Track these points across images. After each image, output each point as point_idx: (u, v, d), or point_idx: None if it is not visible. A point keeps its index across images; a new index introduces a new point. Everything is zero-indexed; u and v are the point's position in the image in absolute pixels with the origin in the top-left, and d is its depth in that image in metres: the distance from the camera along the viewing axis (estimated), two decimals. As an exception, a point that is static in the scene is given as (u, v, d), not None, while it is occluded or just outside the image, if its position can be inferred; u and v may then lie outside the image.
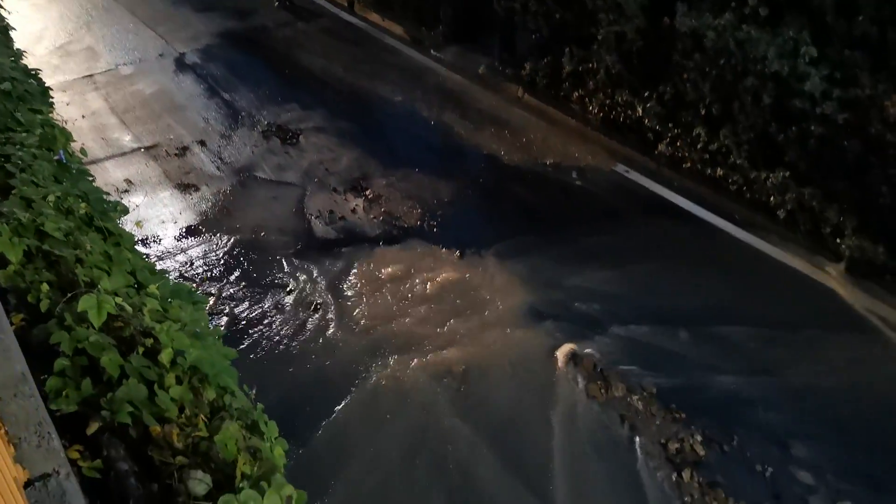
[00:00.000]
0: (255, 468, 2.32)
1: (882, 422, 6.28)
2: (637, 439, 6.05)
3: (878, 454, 5.98)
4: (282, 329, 7.15)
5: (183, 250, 8.29)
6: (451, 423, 6.19)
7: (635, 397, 6.41)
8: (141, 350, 2.50)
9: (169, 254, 8.24)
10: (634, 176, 9.59)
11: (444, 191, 9.33)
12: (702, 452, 5.94)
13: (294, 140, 10.53)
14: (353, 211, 8.96)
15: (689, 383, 6.61)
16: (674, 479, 5.72)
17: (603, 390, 6.47)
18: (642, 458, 5.90)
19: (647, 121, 9.58)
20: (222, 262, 8.08)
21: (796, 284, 7.82)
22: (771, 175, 8.23)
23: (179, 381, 2.45)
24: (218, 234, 8.52)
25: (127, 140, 10.55)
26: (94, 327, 2.55)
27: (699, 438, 6.07)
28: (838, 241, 7.87)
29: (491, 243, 8.32)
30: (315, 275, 7.88)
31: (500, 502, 5.53)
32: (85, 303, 2.55)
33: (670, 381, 6.61)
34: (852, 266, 7.76)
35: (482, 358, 6.83)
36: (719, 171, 8.90)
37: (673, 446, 5.97)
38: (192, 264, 8.05)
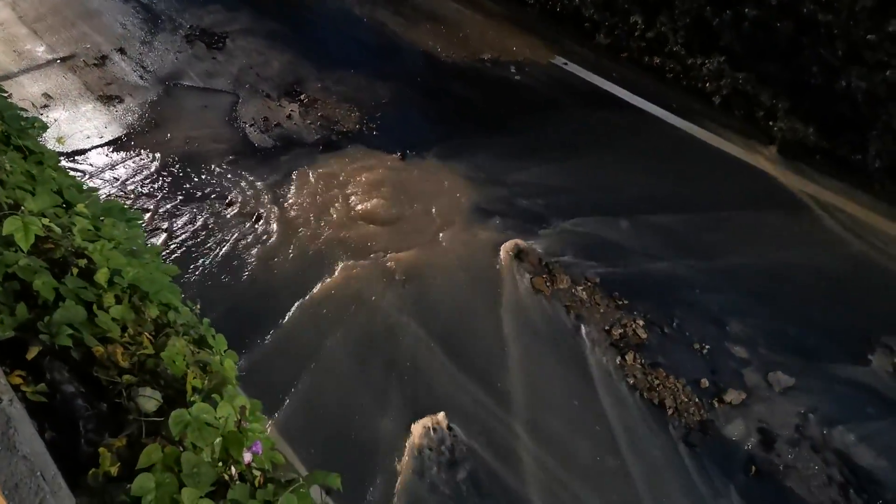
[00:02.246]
0: (206, 382, 2.31)
1: (812, 296, 6.63)
2: (582, 328, 6.26)
3: (808, 327, 6.35)
4: (224, 242, 7.01)
5: (112, 166, 7.94)
6: (400, 323, 6.27)
7: (579, 288, 6.59)
8: (75, 271, 2.40)
9: (97, 171, 7.88)
10: (573, 68, 9.49)
11: (382, 92, 9.08)
12: (644, 336, 6.19)
13: (220, 44, 10.00)
14: (289, 117, 8.67)
15: (631, 271, 6.81)
16: (618, 362, 5.98)
17: (548, 283, 6.61)
18: (588, 344, 6.12)
19: (584, 10, 9.39)
20: (155, 176, 7.79)
21: (732, 169, 8.01)
22: (707, 61, 8.25)
23: (119, 301, 2.38)
24: (148, 148, 8.16)
25: (41, 51, 9.85)
26: (22, 251, 2.43)
27: (641, 323, 6.31)
28: (771, 124, 8.02)
29: (432, 143, 8.21)
30: (254, 184, 7.68)
31: (454, 396, 5.70)
32: (10, 225, 2.42)
33: (612, 270, 6.80)
34: (785, 148, 7.96)
35: (429, 258, 6.87)
36: (657, 60, 8.87)
37: (617, 332, 6.21)
38: (123, 180, 7.74)
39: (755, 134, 8.29)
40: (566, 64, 9.56)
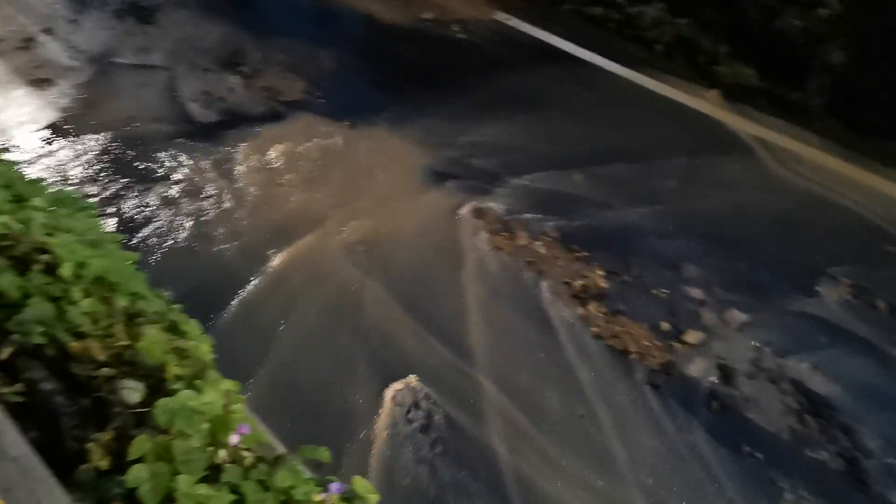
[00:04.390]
0: (186, 369, 2.30)
1: (761, 235, 6.87)
2: (544, 282, 6.36)
3: (760, 265, 6.58)
4: (176, 222, 6.87)
5: (51, 153, 7.65)
6: (363, 291, 6.27)
7: (538, 243, 6.68)
8: (39, 267, 2.35)
9: (35, 158, 7.59)
10: (516, 23, 9.46)
11: (326, 59, 8.92)
12: (604, 285, 6.33)
13: (152, 18, 9.64)
14: (231, 90, 8.46)
15: (588, 223, 6.93)
16: (580, 312, 6.11)
17: (507, 241, 6.69)
18: (550, 298, 6.23)
19: (523, -37, 9.33)
20: (98, 160, 7.54)
21: (678, 115, 8.16)
22: (648, 9, 8.32)
23: (88, 294, 2.34)
24: (86, 131, 7.88)
25: (-42, 37, 9.37)
26: (-21, 250, 2.36)
27: (601, 273, 6.44)
28: (713, 68, 8.17)
29: (381, 109, 8.13)
30: (201, 161, 7.50)
31: (423, 359, 5.76)
32: (-38, 225, 2.34)
33: (570, 223, 6.91)
34: (727, 91, 8.12)
35: (386, 224, 6.85)
36: (598, 10, 8.90)
37: (577, 283, 6.33)
38: (64, 167, 7.48)
39: (698, 79, 8.44)
40: (508, 19, 9.52)
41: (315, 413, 5.36)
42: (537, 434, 5.23)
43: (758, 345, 5.87)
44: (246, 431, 2.13)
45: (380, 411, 5.36)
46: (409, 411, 5.34)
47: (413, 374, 5.59)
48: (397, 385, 5.51)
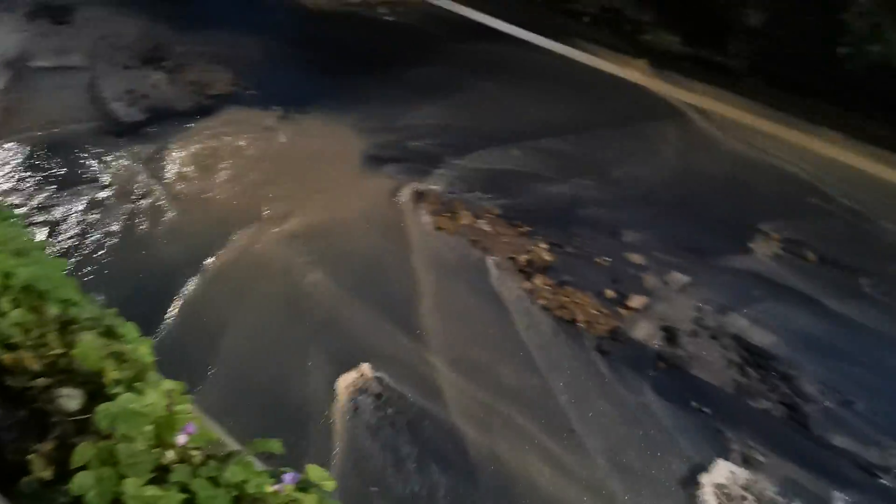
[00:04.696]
0: (125, 372, 2.25)
1: (696, 197, 7.06)
2: (490, 259, 6.41)
3: (697, 227, 6.78)
4: (108, 227, 6.67)
5: (-31, 164, 7.34)
6: (310, 282, 6.22)
7: (482, 221, 6.73)
8: (-39, 281, 2.27)
9: (-46, 171, 7.27)
10: (443, 2, 9.44)
11: (252, 48, 8.74)
12: (549, 258, 6.42)
13: (66, 17, 9.28)
14: (155, 86, 8.23)
15: (529, 198, 7.01)
16: (527, 287, 6.18)
17: (451, 221, 6.71)
18: (497, 274, 6.29)
19: (446, -58, 9.31)
20: (21, 168, 7.25)
21: (609, 86, 8.29)
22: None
23: (17, 304, 2.27)
24: (7, 139, 7.57)
25: None
26: None
27: (545, 246, 6.53)
28: (639, 37, 8.31)
29: (314, 97, 8.03)
30: (130, 162, 7.29)
31: (376, 345, 5.75)
32: None
33: (511, 199, 6.97)
34: (655, 60, 8.28)
35: (327, 214, 6.80)
36: (524, -15, 8.95)
37: (523, 258, 6.40)
38: (-15, 178, 7.18)
39: (626, 49, 8.57)
40: (436, -1, 9.49)
41: (270, 407, 5.30)
42: (495, 407, 5.29)
43: (699, 304, 6.05)
44: (193, 430, 2.11)
45: (335, 400, 5.34)
46: (365, 397, 5.34)
47: (367, 360, 5.58)
48: (352, 373, 5.50)
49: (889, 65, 7.66)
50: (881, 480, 4.76)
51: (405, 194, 6.95)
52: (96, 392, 2.15)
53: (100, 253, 6.42)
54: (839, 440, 5.02)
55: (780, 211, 7.07)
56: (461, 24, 8.98)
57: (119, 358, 2.32)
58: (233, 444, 2.46)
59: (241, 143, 7.47)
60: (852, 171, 7.67)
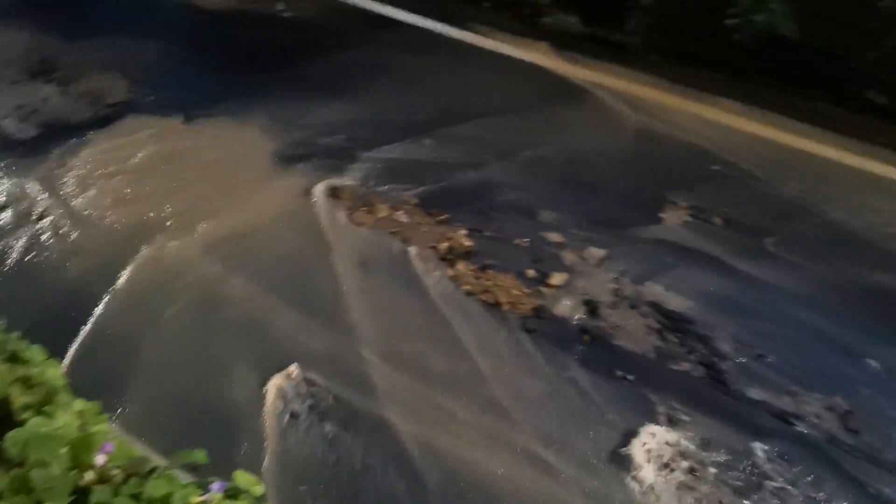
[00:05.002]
0: (33, 397, 2.16)
1: (606, 173, 7.26)
2: (411, 250, 6.41)
3: (609, 202, 6.99)
4: (10, 250, 6.33)
5: None
6: (229, 287, 6.07)
7: (399, 212, 6.72)
8: None
9: None
10: (343, -5, 9.34)
11: (148, 53, 8.43)
12: (469, 244, 6.47)
13: (-59, 32, 8.71)
14: (46, 100, 7.83)
15: (445, 185, 7.05)
16: (450, 274, 6.22)
17: (368, 214, 6.67)
18: (420, 264, 6.30)
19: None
20: None
21: (514, 70, 8.40)
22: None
23: None
24: None
25: None
26: None
27: (464, 232, 6.58)
28: (539, 19, 8.45)
29: (217, 98, 7.82)
30: (27, 181, 6.92)
31: (304, 345, 5.67)
32: None
33: (427, 188, 6.99)
34: (556, 41, 8.44)
35: (241, 219, 6.64)
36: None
37: (443, 246, 6.43)
38: None
39: (528, 32, 8.70)
40: (335, -7, 9.39)
41: (197, 418, 5.16)
42: (428, 396, 5.32)
43: (616, 276, 6.23)
44: (111, 449, 2.04)
45: (265, 404, 5.25)
46: (294, 398, 5.26)
47: (295, 361, 5.50)
48: (280, 375, 5.41)
49: (774, 33, 8.06)
50: (796, 427, 5.04)
51: (319, 192, 6.86)
52: (4, 419, 2.05)
53: (1, 278, 6.08)
54: (755, 393, 5.28)
55: (686, 180, 7.34)
56: (361, 17, 8.92)
57: (26, 382, 2.22)
58: (157, 460, 2.39)
59: (144, 152, 7.20)
60: (750, 138, 8.04)
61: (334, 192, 6.84)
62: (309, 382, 5.37)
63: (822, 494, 4.58)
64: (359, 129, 7.57)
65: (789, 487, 4.62)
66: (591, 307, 5.95)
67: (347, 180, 7.00)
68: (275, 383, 5.35)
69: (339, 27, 8.79)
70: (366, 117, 7.75)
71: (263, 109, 7.68)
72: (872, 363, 5.57)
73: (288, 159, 7.19)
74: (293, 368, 5.45)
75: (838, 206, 7.14)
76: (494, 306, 5.97)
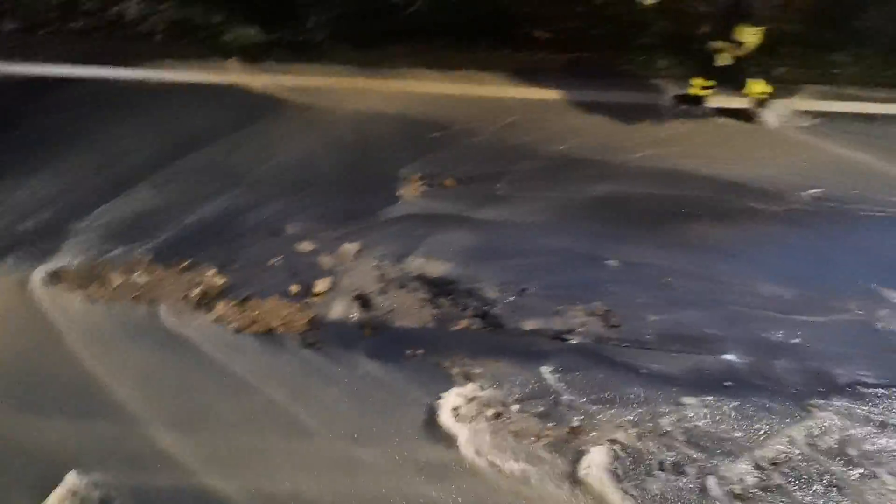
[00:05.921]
0: None
1: (330, 170, 7.36)
2: (162, 309, 5.96)
3: (344, 196, 7.06)
4: None
5: None
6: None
7: (136, 274, 6.20)
8: None
9: None
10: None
11: None
12: (221, 281, 6.17)
13: None
14: None
15: (175, 231, 6.63)
16: (212, 317, 5.88)
17: (101, 287, 6.07)
18: (174, 319, 5.88)
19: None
20: None
21: (209, 96, 8.12)
22: (129, 5, 7.97)
23: None
24: None
25: None
26: None
27: (213, 271, 6.25)
28: (219, 39, 8.22)
29: None
30: None
31: (75, 447, 5.01)
32: None
33: (160, 239, 6.54)
34: (244, 56, 8.27)
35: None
36: (79, 24, 8.26)
37: (195, 292, 6.06)
38: None
39: (211, 53, 8.42)
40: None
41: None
42: (234, 444, 5.00)
43: (376, 263, 6.33)
44: None
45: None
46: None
47: (71, 468, 4.87)
48: (58, 489, 4.77)
49: None
50: (570, 341, 5.53)
51: (36, 282, 6.11)
52: None
53: None
54: (529, 324, 5.70)
55: (410, 154, 7.62)
56: (22, 84, 8.00)
57: None
58: None
59: None
60: (456, 99, 8.54)
61: (55, 278, 6.13)
62: (93, 485, 4.80)
63: (607, 393, 5.08)
64: (65, 200, 6.85)
65: (578, 394, 5.08)
66: (363, 300, 5.99)
67: (66, 259, 6.31)
68: (53, 500, 4.71)
69: (5, 100, 7.85)
70: (69, 186, 7.03)
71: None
72: (613, 263, 6.26)
73: (-12, 258, 6.31)
74: (71, 477, 4.83)
75: (550, 137, 7.83)
76: (268, 334, 5.77)
